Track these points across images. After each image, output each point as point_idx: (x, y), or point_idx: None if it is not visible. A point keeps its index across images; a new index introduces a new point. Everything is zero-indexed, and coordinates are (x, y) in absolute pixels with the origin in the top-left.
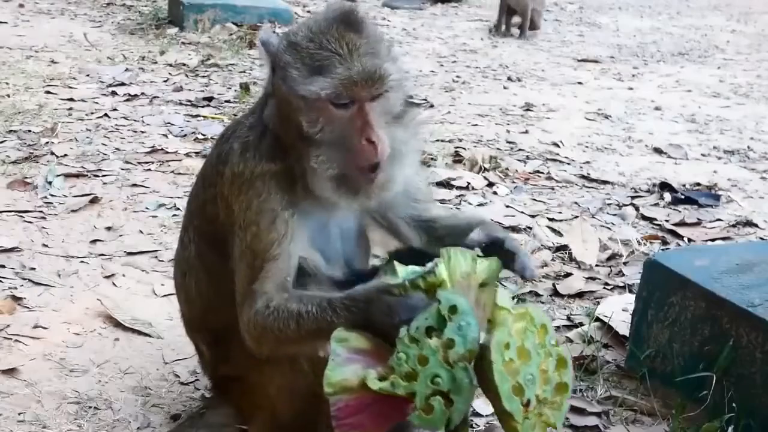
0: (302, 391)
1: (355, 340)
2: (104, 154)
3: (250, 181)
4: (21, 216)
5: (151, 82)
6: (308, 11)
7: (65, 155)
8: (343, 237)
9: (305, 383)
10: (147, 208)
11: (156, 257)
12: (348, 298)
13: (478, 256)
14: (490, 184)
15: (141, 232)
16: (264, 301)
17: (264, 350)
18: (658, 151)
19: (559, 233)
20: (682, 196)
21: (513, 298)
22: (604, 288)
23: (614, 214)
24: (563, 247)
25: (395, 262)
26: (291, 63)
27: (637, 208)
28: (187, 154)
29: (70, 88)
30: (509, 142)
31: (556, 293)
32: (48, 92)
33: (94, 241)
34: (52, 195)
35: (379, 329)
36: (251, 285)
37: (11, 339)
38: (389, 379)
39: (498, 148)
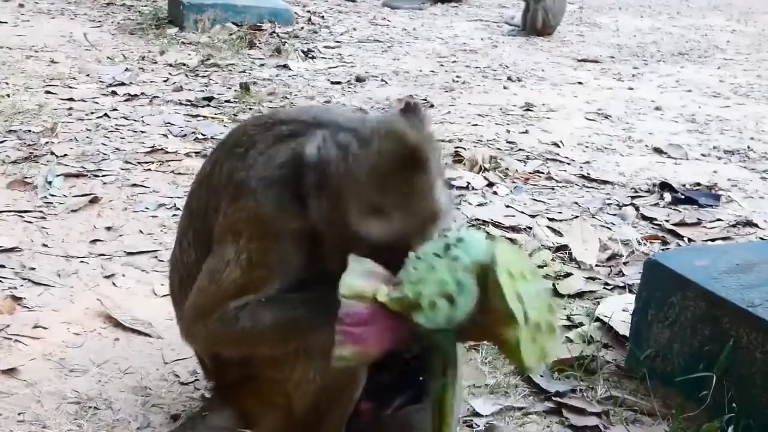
0: (318, 387)
1: (371, 263)
2: (104, 154)
3: (268, 225)
4: (21, 216)
5: (151, 82)
6: (308, 11)
7: (65, 155)
8: None
9: (323, 379)
10: (147, 208)
11: (156, 257)
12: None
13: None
14: (490, 184)
15: (141, 232)
16: (224, 320)
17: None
18: (658, 151)
19: (559, 233)
20: (682, 196)
21: None
22: (604, 288)
23: (614, 214)
24: (563, 247)
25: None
26: (345, 194)
27: (637, 208)
28: (187, 154)
29: (70, 88)
30: (509, 142)
31: (556, 293)
32: (48, 92)
33: (94, 241)
34: (52, 195)
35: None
36: (219, 304)
37: (11, 339)
38: (396, 288)
39: (498, 148)
